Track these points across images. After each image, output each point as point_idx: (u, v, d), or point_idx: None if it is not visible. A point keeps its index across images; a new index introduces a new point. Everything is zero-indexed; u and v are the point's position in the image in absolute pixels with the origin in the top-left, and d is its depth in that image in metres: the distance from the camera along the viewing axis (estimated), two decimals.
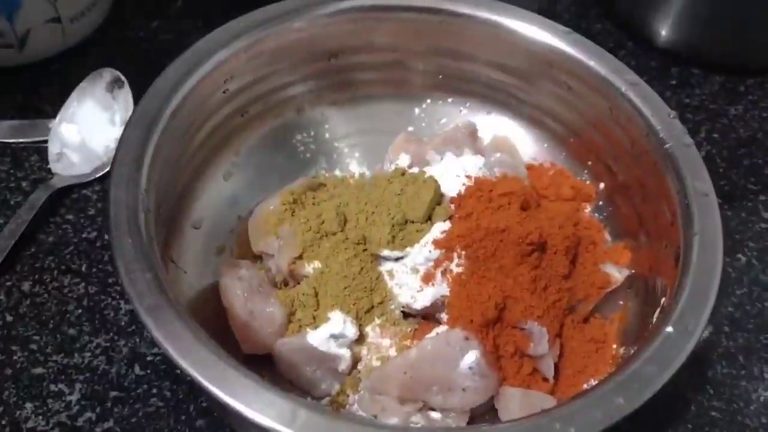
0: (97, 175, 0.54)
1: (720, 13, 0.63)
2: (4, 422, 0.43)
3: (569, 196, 0.52)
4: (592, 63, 0.50)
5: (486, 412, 0.43)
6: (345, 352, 0.44)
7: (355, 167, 0.55)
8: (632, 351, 0.42)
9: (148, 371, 0.46)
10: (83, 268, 0.50)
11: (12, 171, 0.55)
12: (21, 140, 0.56)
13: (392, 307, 0.46)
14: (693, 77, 0.67)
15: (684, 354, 0.38)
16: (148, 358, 0.47)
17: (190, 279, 0.46)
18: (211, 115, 0.50)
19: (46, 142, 0.56)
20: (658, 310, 0.43)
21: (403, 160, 0.51)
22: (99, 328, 0.48)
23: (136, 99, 0.53)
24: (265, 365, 0.44)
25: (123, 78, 0.57)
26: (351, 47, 0.54)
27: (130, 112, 0.53)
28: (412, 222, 0.46)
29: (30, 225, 0.50)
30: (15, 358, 0.46)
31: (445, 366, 0.42)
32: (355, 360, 0.45)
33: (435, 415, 0.42)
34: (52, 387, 0.45)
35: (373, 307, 0.46)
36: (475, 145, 0.53)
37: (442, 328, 0.44)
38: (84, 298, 0.49)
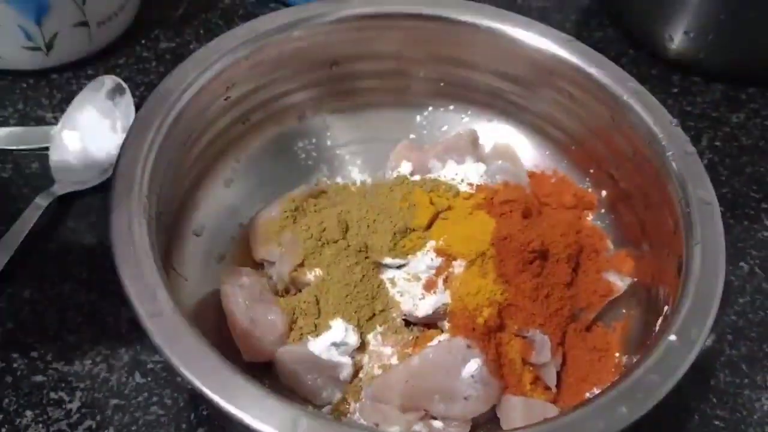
0: (98, 182, 0.54)
1: (731, 24, 0.62)
2: (4, 430, 0.43)
3: (571, 204, 0.52)
4: (593, 71, 0.50)
5: (488, 420, 0.43)
6: (346, 360, 0.44)
7: (357, 175, 0.55)
8: (634, 360, 0.42)
9: (149, 379, 0.46)
10: (84, 275, 0.50)
11: (13, 178, 0.55)
12: (22, 147, 0.56)
13: (394, 315, 0.46)
14: (694, 85, 0.67)
15: (687, 363, 0.37)
16: (149, 366, 0.46)
17: (191, 286, 0.46)
18: (212, 122, 0.50)
19: (47, 149, 0.55)
20: (660, 319, 0.42)
21: (405, 168, 0.51)
22: (99, 335, 0.47)
23: (138, 107, 0.53)
24: (266, 373, 0.44)
25: (124, 85, 0.57)
26: (352, 55, 0.54)
27: (131, 120, 0.53)
28: (414, 230, 0.46)
29: (31, 232, 0.50)
30: (15, 365, 0.46)
31: (447, 374, 0.42)
32: (357, 368, 0.45)
33: (437, 423, 0.42)
34: (52, 395, 0.45)
35: (374, 314, 0.45)
36: (477, 153, 0.53)
37: (443, 336, 0.44)
38: (84, 306, 0.49)
